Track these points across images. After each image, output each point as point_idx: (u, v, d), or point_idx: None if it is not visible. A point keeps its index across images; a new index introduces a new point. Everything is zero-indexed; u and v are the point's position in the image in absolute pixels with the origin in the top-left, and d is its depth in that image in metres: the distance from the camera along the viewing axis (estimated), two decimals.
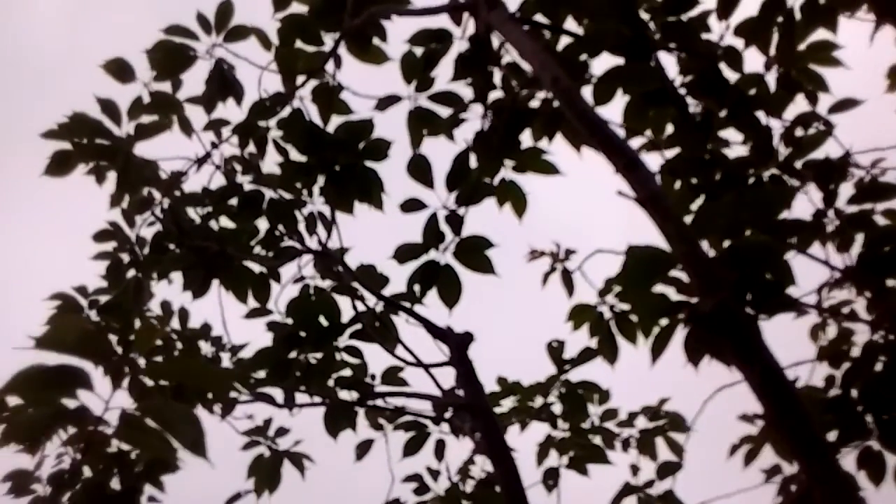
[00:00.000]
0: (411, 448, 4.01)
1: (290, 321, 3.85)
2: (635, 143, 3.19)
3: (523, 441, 4.33)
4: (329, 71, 3.61)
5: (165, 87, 3.76)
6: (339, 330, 3.79)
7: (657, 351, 2.57)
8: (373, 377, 3.88)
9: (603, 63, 3.14)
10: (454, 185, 3.45)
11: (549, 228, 4.15)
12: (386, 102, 3.59)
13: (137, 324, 4.08)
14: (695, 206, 3.23)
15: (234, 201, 3.91)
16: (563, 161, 3.54)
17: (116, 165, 3.77)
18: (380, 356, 3.87)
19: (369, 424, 4.06)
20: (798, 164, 3.25)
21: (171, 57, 3.60)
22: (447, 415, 3.86)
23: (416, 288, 3.54)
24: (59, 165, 3.76)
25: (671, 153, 3.26)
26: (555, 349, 4.09)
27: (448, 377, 3.75)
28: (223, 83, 3.67)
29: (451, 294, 3.51)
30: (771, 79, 3.25)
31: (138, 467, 3.50)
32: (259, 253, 3.91)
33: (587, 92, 3.02)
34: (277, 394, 3.80)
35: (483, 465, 4.37)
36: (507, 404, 4.35)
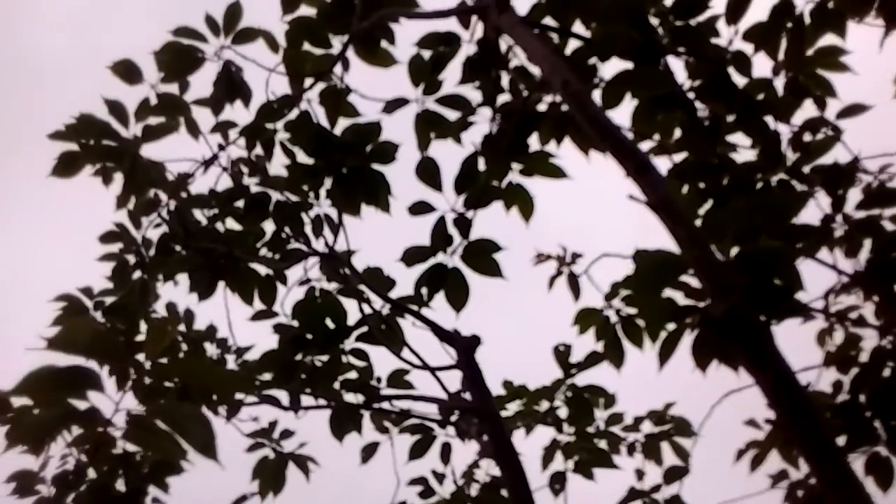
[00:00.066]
0: (417, 451, 4.00)
1: (295, 323, 3.84)
2: (643, 146, 3.19)
3: (528, 445, 4.33)
4: (337, 73, 3.62)
5: (172, 88, 3.76)
6: (345, 332, 3.79)
7: (665, 355, 2.56)
8: (378, 380, 3.88)
9: (610, 67, 3.16)
10: (463, 189, 3.45)
11: (554, 232, 4.14)
12: (393, 105, 3.59)
13: (143, 325, 4.09)
14: (702, 211, 3.24)
15: (240, 203, 3.91)
16: (567, 164, 3.55)
17: (123, 167, 3.78)
18: (386, 359, 3.87)
19: (374, 427, 4.05)
20: (806, 169, 3.25)
21: (179, 58, 3.60)
22: (453, 418, 3.85)
23: (424, 291, 3.54)
24: (65, 166, 3.77)
25: (679, 157, 3.26)
26: (561, 353, 4.09)
27: (454, 380, 3.75)
28: (231, 85, 3.67)
29: (458, 297, 3.51)
30: (779, 84, 3.25)
31: (143, 469, 3.50)
32: (265, 255, 3.91)
33: (595, 96, 3.02)
34: (283, 396, 3.80)
35: (488, 469, 4.37)
36: (512, 408, 4.35)
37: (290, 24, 3.56)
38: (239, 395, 3.73)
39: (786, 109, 3.22)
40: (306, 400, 3.78)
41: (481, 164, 3.48)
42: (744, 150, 3.25)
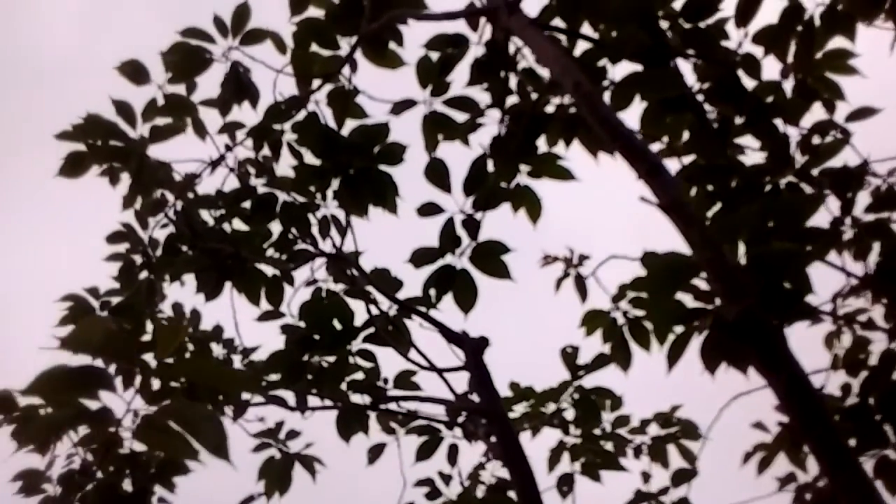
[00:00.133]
0: (424, 452, 4.00)
1: (302, 324, 3.84)
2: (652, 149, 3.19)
3: (534, 447, 4.33)
4: (344, 75, 3.62)
5: (179, 89, 3.77)
6: (352, 333, 3.79)
7: (674, 358, 2.55)
8: (385, 381, 3.88)
9: (619, 69, 3.16)
10: (472, 190, 3.45)
11: (558, 233, 4.14)
12: (401, 107, 3.59)
13: (149, 325, 4.08)
14: (710, 213, 3.23)
15: (247, 204, 3.91)
16: (572, 166, 3.55)
17: (130, 167, 3.78)
18: (393, 360, 3.87)
19: (381, 428, 4.05)
20: (815, 172, 3.25)
21: (187, 59, 3.60)
22: (460, 419, 3.85)
23: (432, 292, 3.54)
24: (73, 166, 3.77)
25: (687, 159, 3.26)
26: (569, 355, 4.08)
27: (460, 382, 3.75)
28: (239, 86, 3.68)
29: (466, 299, 3.51)
30: (787, 86, 3.25)
31: (150, 468, 3.50)
32: (272, 256, 3.91)
33: (604, 98, 3.01)
34: (289, 397, 3.80)
35: (493, 471, 4.36)
36: (518, 409, 4.34)
37: (298, 26, 3.56)
38: (245, 396, 3.73)
39: (795, 112, 3.21)
40: (313, 401, 3.78)
41: (489, 166, 3.48)
42: (752, 152, 3.25)
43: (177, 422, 1.75)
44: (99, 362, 1.91)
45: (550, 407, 4.27)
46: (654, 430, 4.35)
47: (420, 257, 3.53)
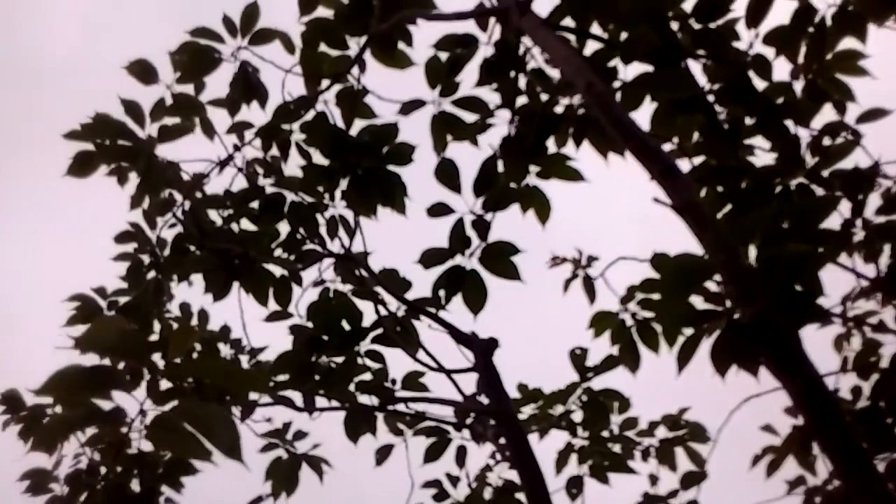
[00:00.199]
0: (432, 454, 3.99)
1: (310, 325, 3.83)
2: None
3: (541, 449, 4.31)
4: (353, 75, 3.61)
5: (187, 89, 3.77)
6: (360, 334, 3.78)
7: (684, 360, 2.54)
8: (393, 382, 3.87)
9: (628, 70, 3.15)
10: (482, 191, 3.44)
11: (565, 234, 4.13)
12: (410, 107, 3.59)
13: (156, 325, 4.08)
14: (719, 215, 3.22)
15: (255, 204, 3.91)
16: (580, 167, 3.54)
17: (139, 167, 3.78)
18: (401, 361, 3.86)
19: (389, 430, 4.04)
20: (825, 174, 3.24)
21: (196, 59, 3.60)
22: (468, 421, 3.84)
23: (442, 293, 3.53)
24: (81, 166, 3.77)
25: (697, 160, 3.25)
26: (578, 356, 4.07)
27: (469, 383, 3.74)
28: (248, 86, 3.68)
29: (476, 300, 3.50)
30: (797, 87, 3.24)
31: (158, 468, 3.50)
32: (280, 256, 3.90)
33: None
34: (297, 397, 3.79)
35: (500, 473, 4.35)
36: (526, 411, 4.33)
37: (307, 26, 3.56)
38: (253, 396, 3.73)
39: (805, 113, 3.20)
40: (320, 401, 3.78)
41: (499, 167, 3.47)
42: (762, 153, 3.24)
43: (190, 422, 1.74)
44: (106, 362, 1.91)
45: (558, 409, 4.26)
46: (662, 432, 4.34)
47: (430, 258, 3.52)
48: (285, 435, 3.98)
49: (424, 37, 3.52)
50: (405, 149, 3.68)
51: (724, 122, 3.16)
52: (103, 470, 3.61)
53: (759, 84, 3.16)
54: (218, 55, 3.64)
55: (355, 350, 3.82)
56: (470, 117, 3.55)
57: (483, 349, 3.56)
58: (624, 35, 3.04)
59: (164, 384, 3.59)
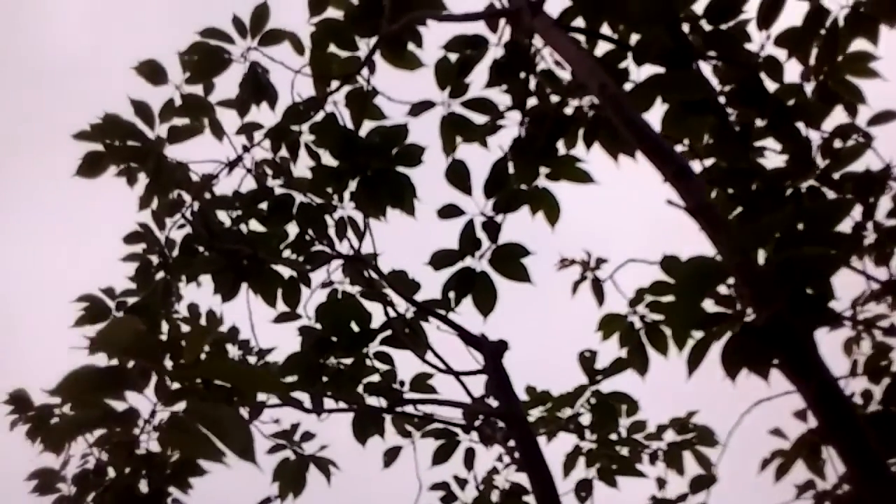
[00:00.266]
0: (441, 456, 3.98)
1: (319, 326, 3.83)
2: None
3: (549, 452, 4.30)
4: (363, 76, 3.61)
5: (196, 89, 3.77)
6: (369, 336, 3.78)
7: (694, 363, 2.52)
8: (402, 384, 3.87)
9: (638, 71, 3.14)
10: (492, 192, 3.43)
11: (575, 236, 4.12)
12: (419, 108, 3.58)
13: (164, 326, 4.08)
14: (731, 217, 3.21)
15: (264, 205, 3.91)
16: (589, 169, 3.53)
17: (148, 168, 3.78)
18: (410, 363, 3.86)
19: (397, 431, 4.04)
20: (836, 176, 3.23)
21: (206, 59, 3.60)
22: (477, 423, 3.83)
23: (451, 294, 3.52)
24: (90, 167, 3.77)
25: (708, 162, 3.24)
26: (587, 359, 4.06)
27: (478, 385, 3.73)
28: (257, 87, 3.68)
29: (486, 302, 3.49)
30: (809, 89, 3.23)
31: (166, 469, 3.49)
32: (289, 257, 3.90)
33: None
34: (305, 398, 3.79)
35: (507, 475, 4.35)
36: (535, 414, 4.32)
37: (317, 26, 3.56)
38: (261, 397, 3.73)
39: (816, 115, 3.19)
40: (329, 403, 3.78)
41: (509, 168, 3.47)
42: (773, 155, 3.23)
43: (203, 424, 1.74)
44: (114, 362, 1.91)
45: (567, 411, 4.25)
46: (670, 435, 4.32)
47: (440, 259, 3.51)
48: (293, 436, 3.97)
49: (434, 38, 3.53)
50: (415, 150, 3.67)
51: (735, 123, 3.16)
52: (111, 470, 3.61)
53: (771, 86, 3.16)
54: (228, 56, 3.64)
55: (364, 352, 3.81)
56: (480, 119, 3.55)
57: (492, 351, 3.55)
58: (635, 36, 3.03)
59: (172, 385, 3.61)
